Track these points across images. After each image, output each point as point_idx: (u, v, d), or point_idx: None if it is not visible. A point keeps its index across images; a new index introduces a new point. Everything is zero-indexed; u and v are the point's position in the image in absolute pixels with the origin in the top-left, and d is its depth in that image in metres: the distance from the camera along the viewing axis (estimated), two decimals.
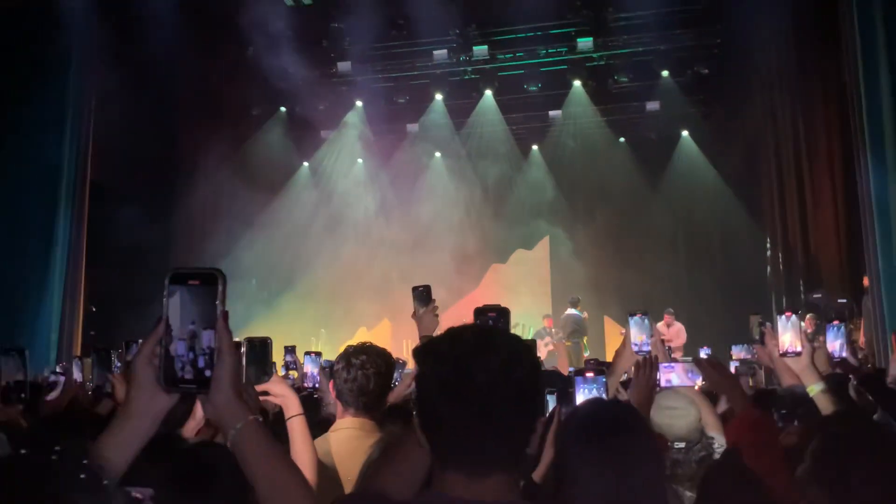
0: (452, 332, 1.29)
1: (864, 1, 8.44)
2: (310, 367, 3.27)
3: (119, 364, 3.47)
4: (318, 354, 3.38)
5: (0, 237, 9.43)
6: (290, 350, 4.66)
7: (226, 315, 1.10)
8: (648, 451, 1.54)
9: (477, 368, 1.18)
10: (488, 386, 1.17)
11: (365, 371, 2.46)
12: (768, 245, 12.41)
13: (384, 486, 1.40)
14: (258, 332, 2.91)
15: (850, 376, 3.02)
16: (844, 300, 9.26)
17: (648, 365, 2.46)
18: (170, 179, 12.51)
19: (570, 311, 12.07)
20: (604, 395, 2.10)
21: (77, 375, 3.97)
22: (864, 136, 8.60)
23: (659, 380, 2.62)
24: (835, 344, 2.80)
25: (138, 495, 1.21)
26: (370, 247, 14.07)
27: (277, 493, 1.10)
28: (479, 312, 1.75)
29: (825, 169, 10.57)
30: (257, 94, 13.11)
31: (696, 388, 2.91)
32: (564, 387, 2.26)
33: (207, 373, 1.09)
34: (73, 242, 9.95)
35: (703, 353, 7.26)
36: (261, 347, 2.14)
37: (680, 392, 2.61)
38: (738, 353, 5.04)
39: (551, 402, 2.41)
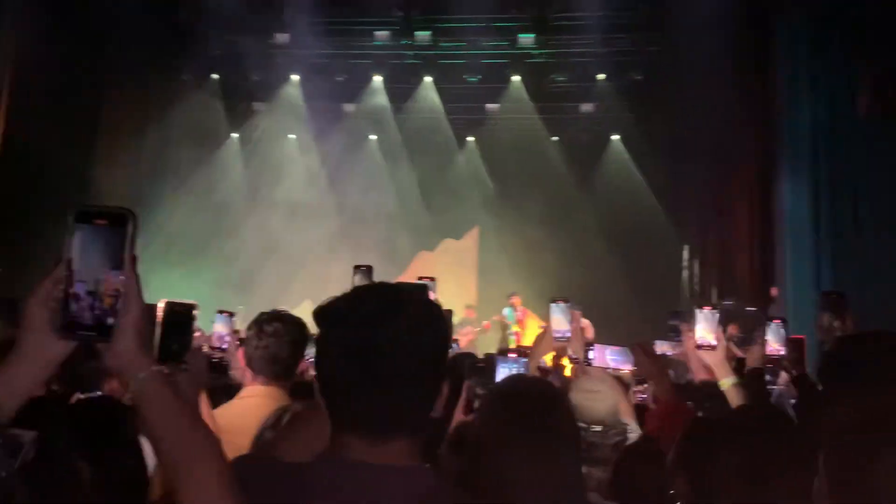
0: (357, 292, 1.23)
1: (794, 28, 8.81)
2: (221, 327, 3.11)
3: None
4: (232, 315, 3.23)
5: None
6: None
7: (134, 259, 1.02)
8: (566, 428, 1.54)
9: (381, 332, 1.12)
10: (392, 351, 1.12)
11: (278, 339, 2.39)
12: (686, 252, 12.85)
13: (280, 452, 1.35)
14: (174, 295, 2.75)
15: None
16: (754, 308, 9.66)
17: (640, 352, 2.51)
18: (91, 138, 11.93)
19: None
20: None
21: None
22: (783, 153, 9.00)
23: (592, 359, 2.66)
24: (771, 340, 2.89)
25: (20, 436, 1.10)
26: (296, 225, 13.81)
27: (184, 449, 1.01)
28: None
29: (745, 183, 11.01)
30: (189, 59, 12.65)
31: (629, 372, 2.97)
32: (484, 366, 2.25)
33: (109, 320, 1.00)
34: None
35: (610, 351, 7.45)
36: (186, 315, 2.01)
37: (601, 376, 2.64)
38: (661, 346, 5.14)
39: None
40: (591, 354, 2.75)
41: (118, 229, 1.01)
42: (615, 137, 14.33)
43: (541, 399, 1.56)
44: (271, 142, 14.36)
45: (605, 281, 13.78)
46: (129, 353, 1.02)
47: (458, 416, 2.21)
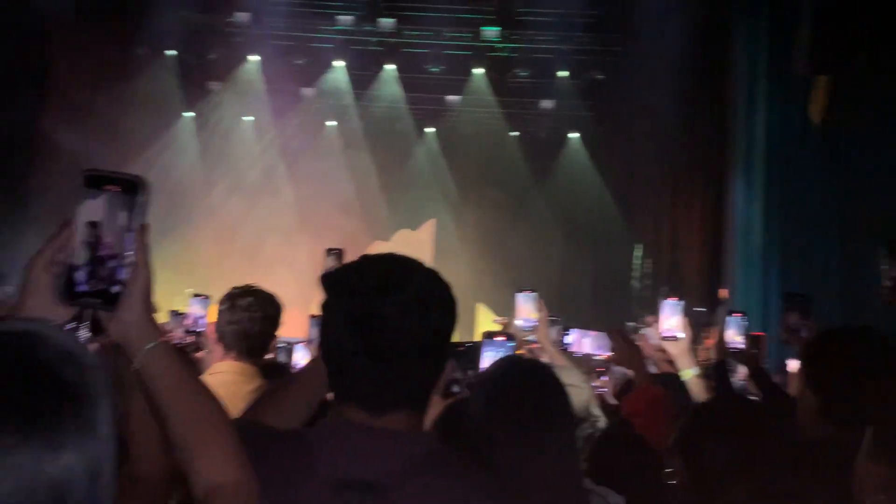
0: (364, 262, 1.20)
1: (752, 35, 9.01)
2: (197, 309, 3.06)
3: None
4: (207, 298, 3.18)
5: None
6: None
7: (146, 228, 1.01)
8: (562, 408, 1.53)
9: (388, 306, 1.10)
10: (399, 326, 1.10)
11: (251, 314, 2.32)
12: (640, 250, 13.08)
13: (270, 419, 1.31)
14: None
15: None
16: (702, 308, 9.88)
17: (620, 337, 2.51)
18: (34, 110, 11.47)
19: None
20: None
21: None
22: (738, 158, 9.22)
23: (569, 345, 2.66)
24: (731, 333, 2.94)
25: None
26: (250, 210, 13.57)
27: (196, 427, 0.98)
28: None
29: (699, 186, 11.25)
30: (145, 33, 12.27)
31: (605, 357, 2.99)
32: (464, 350, 2.22)
33: (115, 288, 0.97)
34: None
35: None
36: None
37: (575, 370, 2.64)
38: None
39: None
40: (567, 339, 2.76)
41: (129, 196, 0.99)
42: (574, 135, 14.46)
43: (537, 379, 1.56)
44: (227, 123, 14.06)
45: (560, 275, 13.94)
46: (137, 324, 0.98)
47: (436, 399, 2.17)
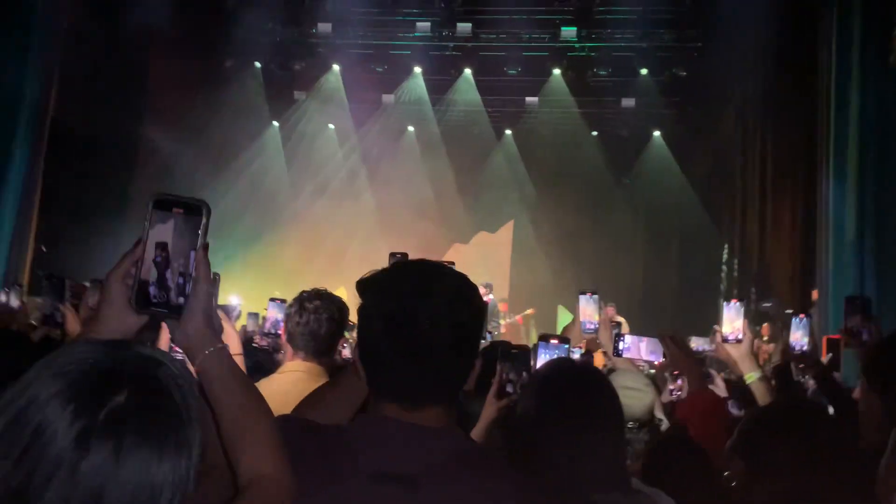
0: (399, 267, 1.29)
1: (844, 26, 8.59)
2: (274, 313, 3.23)
3: (70, 295, 3.35)
4: (283, 301, 3.33)
5: None
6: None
7: (206, 247, 1.11)
8: (613, 411, 1.55)
9: (421, 307, 1.18)
10: (431, 325, 1.17)
11: (318, 315, 2.42)
12: (725, 251, 12.67)
13: (313, 415, 1.40)
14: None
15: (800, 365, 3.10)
16: (792, 311, 9.49)
17: (671, 342, 2.50)
18: (134, 123, 12.17)
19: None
20: None
21: (14, 302, 3.84)
22: (829, 156, 8.80)
23: (623, 350, 2.65)
24: (796, 335, 2.85)
25: None
26: (333, 214, 13.95)
27: (244, 423, 1.10)
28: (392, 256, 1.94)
29: (788, 184, 10.79)
30: (233, 46, 12.82)
31: (658, 364, 2.95)
32: (518, 352, 2.26)
33: (180, 300, 1.09)
34: (27, 181, 9.59)
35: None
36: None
37: (638, 373, 2.63)
38: (696, 343, 5.05)
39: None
40: (621, 345, 2.74)
41: (193, 218, 1.10)
42: (656, 133, 14.16)
43: (587, 381, 1.58)
44: (312, 130, 14.50)
45: (642, 277, 13.68)
46: (197, 332, 1.10)
47: (490, 399, 2.22)
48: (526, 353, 2.23)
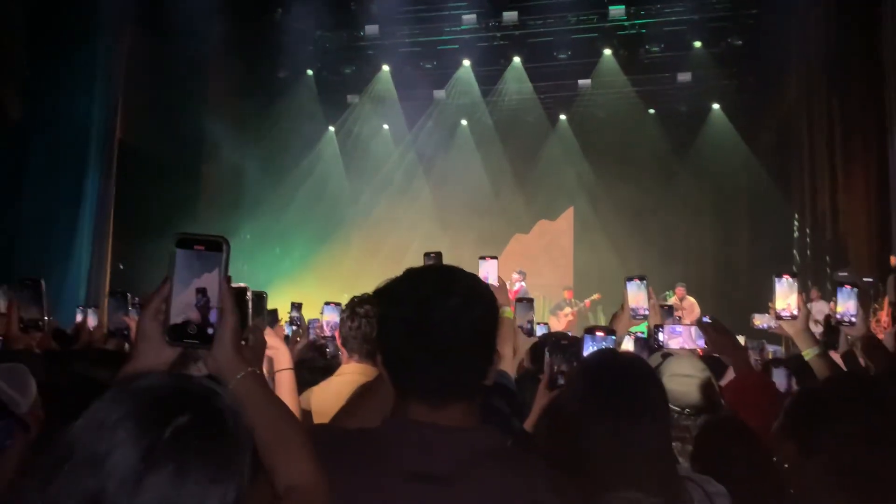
0: (413, 274, 1.34)
1: None
2: (331, 316, 3.36)
3: (134, 308, 3.53)
4: (338, 304, 3.43)
5: (31, 198, 9.57)
6: (296, 306, 4.70)
7: (228, 279, 1.19)
8: (657, 402, 1.54)
9: (437, 309, 1.23)
10: (448, 326, 1.23)
11: (369, 319, 2.49)
12: (796, 221, 12.23)
13: (353, 421, 1.45)
14: (283, 293, 2.92)
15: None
16: (871, 279, 9.11)
17: (709, 328, 2.48)
18: (198, 141, 12.60)
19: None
20: None
21: (92, 320, 4.08)
22: None
23: (664, 342, 2.61)
24: (847, 305, 2.75)
25: None
26: (395, 213, 14.10)
27: (277, 439, 1.16)
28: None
29: (858, 148, 10.34)
30: (284, 56, 13.11)
31: (699, 351, 2.89)
32: (567, 344, 2.26)
33: (209, 330, 1.16)
34: (100, 203, 10.10)
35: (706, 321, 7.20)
36: (256, 300, 2.17)
37: (694, 358, 2.59)
38: (761, 320, 4.91)
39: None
40: (662, 336, 2.69)
41: (214, 254, 1.17)
42: (716, 106, 13.77)
43: (631, 371, 1.58)
44: (367, 132, 14.69)
45: (712, 254, 13.35)
46: (228, 359, 1.18)
47: (542, 390, 2.23)
48: (576, 345, 2.23)
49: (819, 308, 8.98)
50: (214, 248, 1.16)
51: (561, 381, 2.15)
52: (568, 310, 12.01)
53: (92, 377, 2.82)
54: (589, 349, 2.15)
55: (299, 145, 14.12)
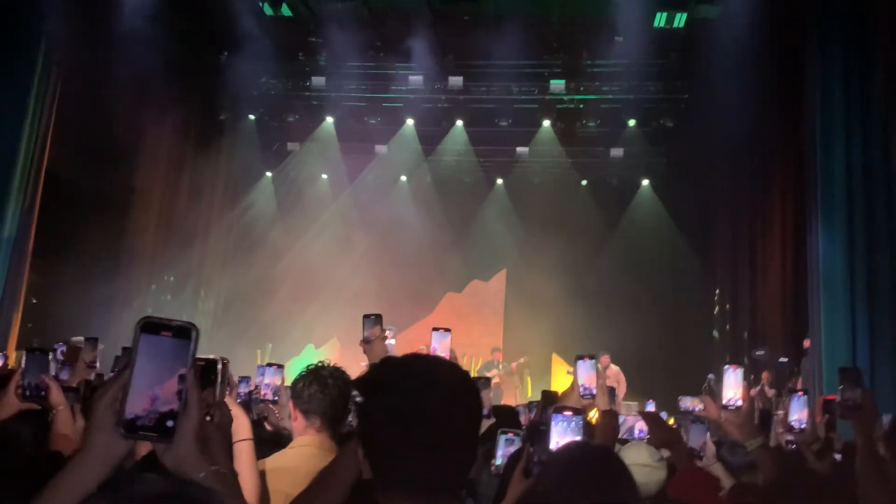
0: (396, 363, 1.32)
1: (829, 73, 8.81)
2: (272, 379, 3.20)
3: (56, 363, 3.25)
4: (281, 367, 3.31)
5: None
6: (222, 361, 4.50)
7: (195, 371, 1.10)
8: (628, 495, 1.57)
9: (428, 398, 1.22)
10: (439, 415, 1.21)
11: (336, 380, 2.46)
12: (716, 298, 12.74)
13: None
14: (205, 336, 2.79)
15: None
16: (786, 359, 9.52)
17: (614, 416, 2.49)
18: (128, 175, 12.22)
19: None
20: (580, 437, 2.12)
21: None
22: (816, 202, 8.90)
23: (632, 429, 2.64)
24: (802, 414, 2.85)
25: None
26: (326, 265, 13.95)
27: None
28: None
29: (777, 230, 10.91)
30: (227, 99, 12.99)
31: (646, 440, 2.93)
32: (546, 431, 2.25)
33: (169, 423, 1.08)
34: (20, 233, 9.61)
35: (649, 407, 7.34)
36: (222, 370, 2.08)
37: (650, 448, 2.62)
38: (686, 404, 5.05)
39: (503, 441, 2.42)
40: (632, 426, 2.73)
41: (181, 341, 1.09)
42: (645, 182, 14.37)
43: (604, 467, 1.60)
44: (305, 181, 14.61)
45: (635, 324, 13.67)
46: (188, 457, 1.10)
47: (518, 477, 2.20)
48: (547, 430, 2.21)
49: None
50: (183, 335, 1.09)
51: (536, 471, 2.13)
52: (495, 371, 12.05)
53: (15, 431, 2.62)
54: (557, 428, 2.15)
55: (233, 187, 13.91)
